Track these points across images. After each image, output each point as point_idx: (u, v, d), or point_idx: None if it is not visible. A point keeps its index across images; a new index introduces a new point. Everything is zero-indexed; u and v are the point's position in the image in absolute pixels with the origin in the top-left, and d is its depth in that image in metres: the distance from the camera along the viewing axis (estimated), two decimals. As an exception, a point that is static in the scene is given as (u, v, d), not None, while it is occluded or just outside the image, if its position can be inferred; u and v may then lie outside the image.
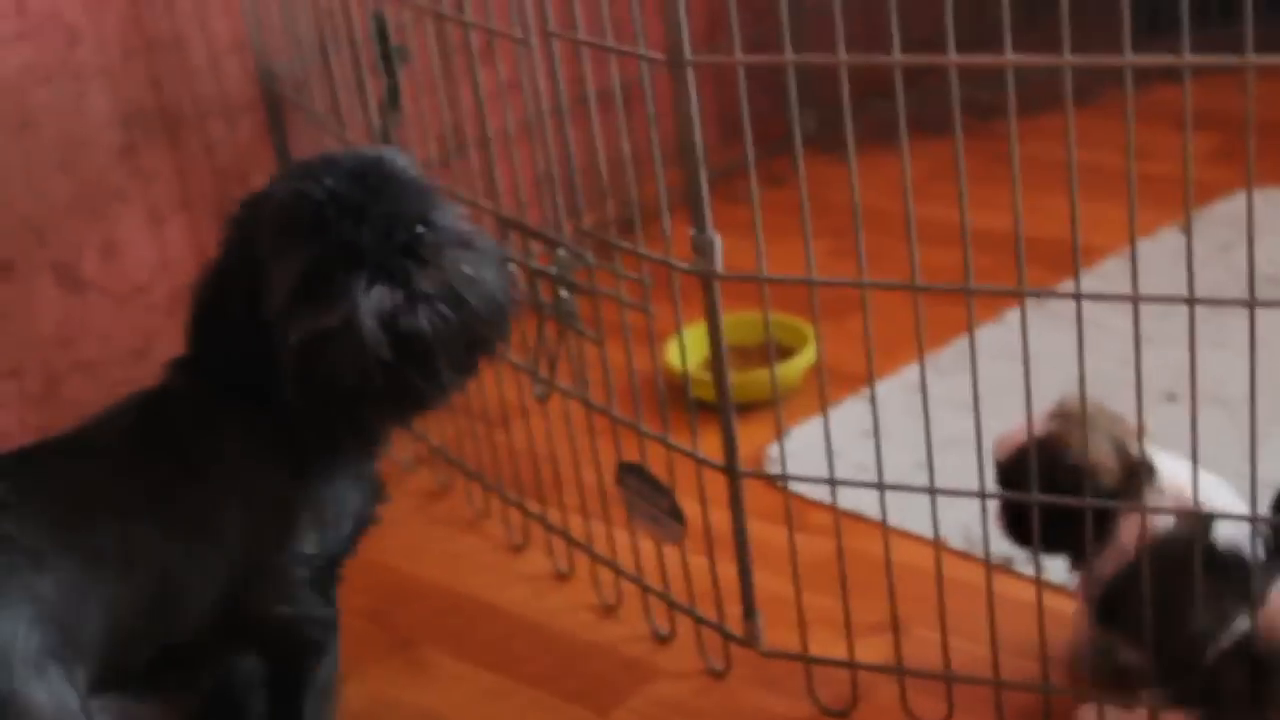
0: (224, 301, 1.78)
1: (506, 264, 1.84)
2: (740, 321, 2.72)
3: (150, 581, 1.76)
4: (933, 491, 1.91)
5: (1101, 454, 1.88)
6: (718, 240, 1.90)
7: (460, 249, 1.74)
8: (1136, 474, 1.88)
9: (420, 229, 1.73)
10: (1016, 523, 1.94)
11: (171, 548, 1.75)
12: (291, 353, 1.69)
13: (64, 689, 1.61)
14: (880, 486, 1.95)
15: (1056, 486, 1.86)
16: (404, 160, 1.78)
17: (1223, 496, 1.87)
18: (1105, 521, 1.87)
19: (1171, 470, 1.89)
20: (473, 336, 1.75)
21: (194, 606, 1.78)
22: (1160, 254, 2.73)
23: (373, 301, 1.67)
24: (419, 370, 1.72)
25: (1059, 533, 1.88)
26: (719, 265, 1.91)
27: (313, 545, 1.83)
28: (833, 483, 1.97)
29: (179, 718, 1.91)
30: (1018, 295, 1.80)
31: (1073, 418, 1.92)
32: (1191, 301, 1.71)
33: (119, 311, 2.73)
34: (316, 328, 1.67)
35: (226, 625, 1.81)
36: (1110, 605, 1.91)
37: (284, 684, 1.89)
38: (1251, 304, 1.69)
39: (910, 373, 2.62)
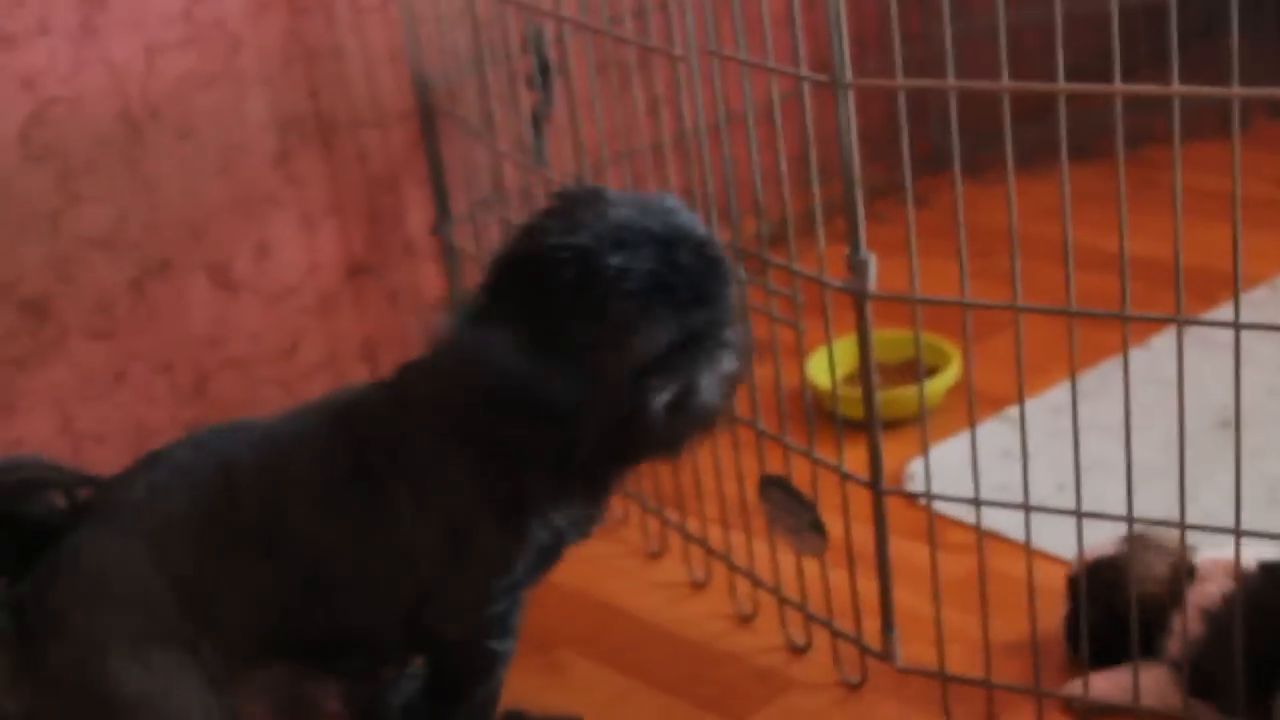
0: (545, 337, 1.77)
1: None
2: (883, 339, 2.73)
3: (306, 570, 1.83)
4: (1079, 514, 1.92)
5: (1153, 570, 1.98)
6: (872, 260, 1.93)
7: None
8: (1179, 578, 1.97)
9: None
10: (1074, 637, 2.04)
11: (346, 552, 1.83)
12: (646, 419, 1.74)
13: (166, 671, 1.72)
14: (1026, 508, 1.96)
15: (1112, 605, 1.98)
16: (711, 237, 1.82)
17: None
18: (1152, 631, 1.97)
19: (1211, 559, 1.97)
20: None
21: (359, 604, 1.85)
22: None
23: (714, 378, 1.76)
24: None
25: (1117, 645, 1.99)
26: (873, 285, 1.94)
27: (508, 578, 1.88)
28: (977, 503, 1.99)
29: (348, 698, 1.97)
30: (1174, 322, 1.81)
31: (1139, 541, 2.02)
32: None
33: (269, 312, 2.80)
34: (674, 398, 1.74)
35: (409, 630, 1.87)
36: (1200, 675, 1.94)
37: (443, 694, 1.94)
38: None
39: (1053, 395, 2.64)
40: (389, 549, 1.84)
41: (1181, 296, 1.78)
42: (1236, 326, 1.78)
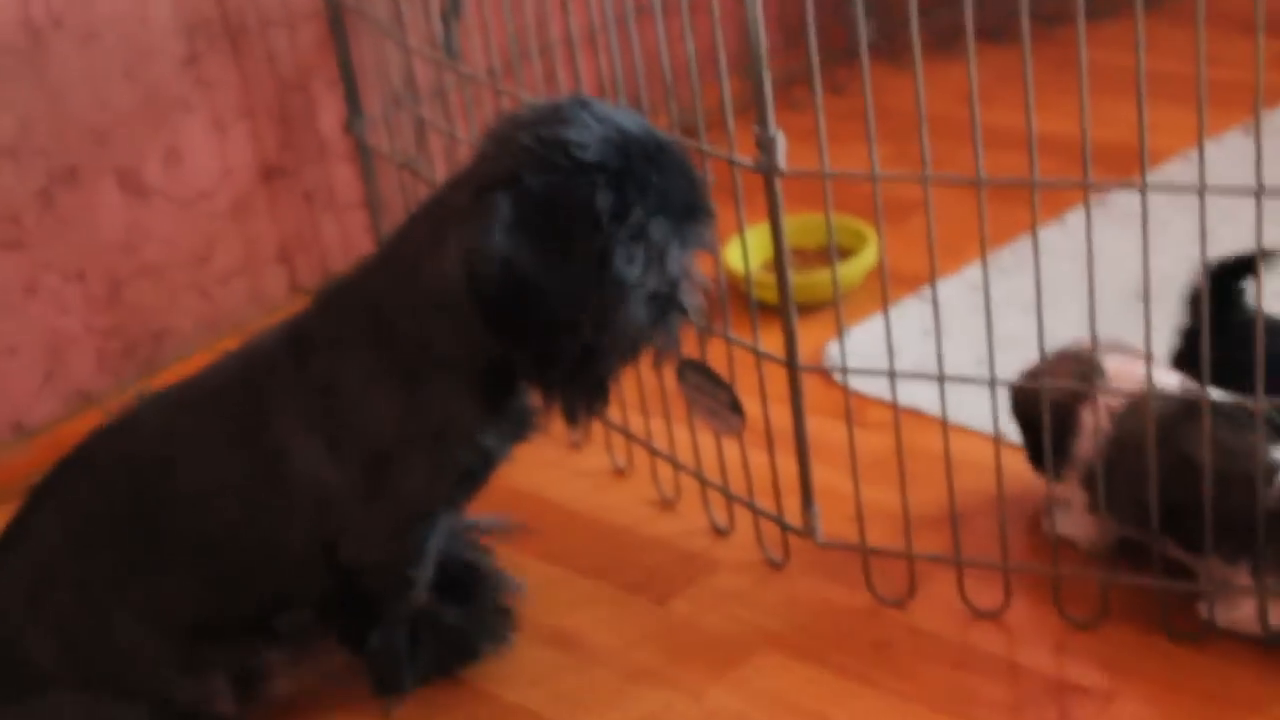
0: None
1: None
2: (801, 224, 2.74)
3: (218, 547, 1.87)
4: (993, 383, 1.93)
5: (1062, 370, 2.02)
6: (780, 137, 1.92)
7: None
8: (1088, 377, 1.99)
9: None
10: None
11: (253, 513, 1.86)
12: (627, 319, 1.75)
13: None
14: (940, 378, 1.97)
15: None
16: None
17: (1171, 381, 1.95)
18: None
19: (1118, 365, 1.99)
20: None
21: (281, 562, 1.88)
22: (1225, 155, 2.74)
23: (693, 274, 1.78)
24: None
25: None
26: (781, 162, 1.93)
27: (428, 507, 1.88)
28: (892, 375, 1.99)
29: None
30: (1081, 188, 1.81)
31: (1061, 353, 2.05)
32: (1259, 193, 1.72)
33: (182, 217, 2.77)
34: (657, 289, 1.75)
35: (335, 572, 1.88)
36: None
37: (360, 611, 1.95)
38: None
39: (971, 273, 2.65)
40: (298, 498, 1.85)
41: (1089, 162, 1.78)
42: (1143, 190, 1.78)
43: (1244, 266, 2.00)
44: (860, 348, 2.44)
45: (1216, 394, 1.84)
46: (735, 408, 2.09)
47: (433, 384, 1.81)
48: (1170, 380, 1.95)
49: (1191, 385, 1.91)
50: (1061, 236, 2.71)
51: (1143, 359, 1.90)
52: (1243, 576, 1.87)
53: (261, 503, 1.85)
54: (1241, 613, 1.90)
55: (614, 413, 2.39)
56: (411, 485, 1.84)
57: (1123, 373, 1.98)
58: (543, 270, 1.70)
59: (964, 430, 2.25)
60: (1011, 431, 2.26)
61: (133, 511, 1.87)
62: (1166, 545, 1.94)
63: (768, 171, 1.94)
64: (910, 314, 2.60)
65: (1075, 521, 2.05)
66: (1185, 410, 1.87)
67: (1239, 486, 1.84)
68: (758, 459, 2.16)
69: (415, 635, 1.97)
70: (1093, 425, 1.99)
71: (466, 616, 2.05)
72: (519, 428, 1.92)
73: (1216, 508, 1.85)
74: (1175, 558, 1.94)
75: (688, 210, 1.77)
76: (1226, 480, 1.84)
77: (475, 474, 1.90)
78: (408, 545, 1.89)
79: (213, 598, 1.88)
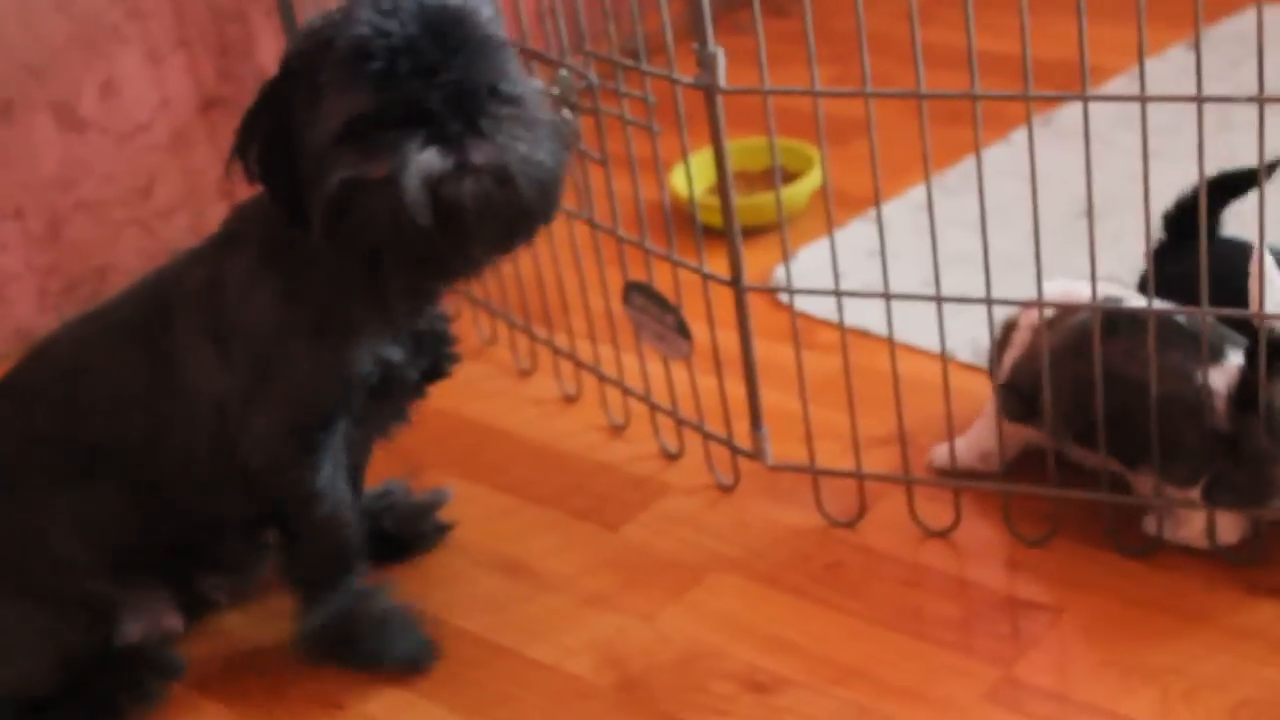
0: (274, 132, 1.71)
1: (566, 144, 1.77)
2: (746, 147, 2.73)
3: (131, 466, 1.85)
4: (939, 300, 1.92)
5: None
6: (720, 53, 1.90)
7: (522, 126, 1.67)
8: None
9: (488, 99, 1.66)
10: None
11: (159, 427, 1.83)
12: (325, 194, 1.64)
13: None
14: (886, 296, 1.96)
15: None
16: (488, 13, 1.70)
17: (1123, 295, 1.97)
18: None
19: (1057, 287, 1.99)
20: (515, 219, 1.70)
21: (195, 479, 1.86)
22: (1168, 70, 2.74)
23: (423, 163, 1.62)
24: (452, 242, 1.67)
25: None
26: (722, 79, 1.91)
27: (316, 408, 1.82)
28: (838, 294, 1.98)
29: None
30: (1023, 100, 1.80)
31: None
32: (1200, 100, 1.72)
33: (120, 150, 2.73)
34: (358, 176, 1.63)
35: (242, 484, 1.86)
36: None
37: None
38: (1260, 100, 1.69)
39: (916, 193, 2.64)
40: (197, 404, 1.82)
41: (1030, 74, 1.77)
42: (1085, 99, 1.77)
43: (1221, 186, 1.98)
44: (808, 270, 2.43)
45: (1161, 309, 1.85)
46: (682, 331, 2.08)
47: (307, 277, 1.77)
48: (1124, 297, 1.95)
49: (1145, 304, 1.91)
50: (1007, 156, 2.69)
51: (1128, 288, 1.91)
52: (1192, 493, 1.87)
53: (164, 411, 1.83)
54: (1190, 529, 1.90)
55: (562, 339, 2.38)
56: (295, 381, 1.80)
57: (1070, 291, 1.98)
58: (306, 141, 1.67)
59: (912, 350, 2.26)
60: (959, 349, 2.27)
61: (54, 426, 1.86)
62: (1084, 455, 1.97)
63: (708, 88, 1.92)
64: (857, 235, 2.59)
65: (976, 436, 2.06)
66: (1117, 324, 1.87)
67: (1180, 406, 1.85)
68: (706, 382, 2.15)
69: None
70: (1020, 339, 2.00)
71: (399, 525, 2.07)
72: (430, 350, 1.89)
73: (1160, 428, 1.85)
74: (1119, 473, 1.95)
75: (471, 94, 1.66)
76: (1169, 400, 1.84)
77: (377, 388, 1.84)
78: (299, 449, 1.83)
79: (141, 512, 1.87)
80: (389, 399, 1.89)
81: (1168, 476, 1.88)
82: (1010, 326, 2.03)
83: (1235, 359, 1.85)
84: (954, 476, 2.02)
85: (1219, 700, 1.73)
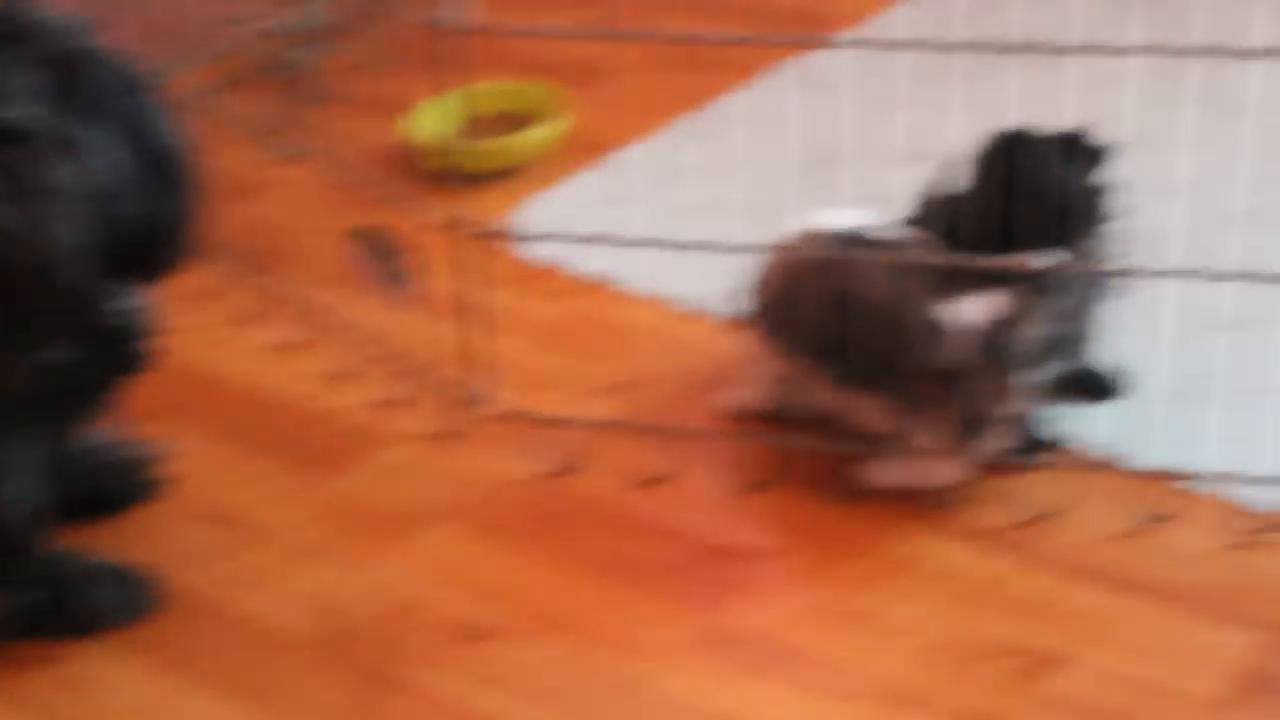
0: None
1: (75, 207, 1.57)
2: (488, 90, 2.70)
3: None
4: (662, 245, 1.92)
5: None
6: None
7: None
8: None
9: None
10: None
11: None
12: None
13: None
14: (611, 242, 1.95)
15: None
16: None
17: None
18: None
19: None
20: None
21: None
22: (900, 22, 2.76)
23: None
24: None
25: None
26: (456, 20, 1.89)
27: None
28: (561, 239, 1.98)
29: None
30: (761, 45, 1.80)
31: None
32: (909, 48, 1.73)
33: None
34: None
35: None
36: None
37: None
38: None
39: (659, 140, 2.63)
40: None
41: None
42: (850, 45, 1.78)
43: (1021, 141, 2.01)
44: (548, 215, 2.42)
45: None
46: (407, 277, 2.06)
47: None
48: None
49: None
50: (748, 101, 2.70)
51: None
52: (918, 433, 1.90)
53: None
54: (903, 472, 1.93)
55: (287, 285, 2.34)
56: None
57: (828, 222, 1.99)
58: None
59: (645, 299, 2.26)
60: (687, 296, 2.28)
61: None
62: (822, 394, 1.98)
63: (435, 27, 1.89)
64: (598, 181, 2.58)
65: (747, 381, 2.07)
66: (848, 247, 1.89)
67: (902, 336, 1.87)
68: (431, 329, 2.13)
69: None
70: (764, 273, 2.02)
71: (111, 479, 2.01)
72: (115, 346, 1.81)
73: (881, 353, 1.87)
74: (845, 415, 1.97)
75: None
76: (891, 329, 1.86)
77: (45, 394, 1.74)
78: None
79: None
80: (70, 400, 1.80)
81: (896, 400, 1.91)
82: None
83: (980, 298, 1.88)
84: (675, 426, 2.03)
85: (914, 642, 1.76)
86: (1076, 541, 1.87)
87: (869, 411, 1.94)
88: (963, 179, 1.98)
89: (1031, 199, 1.83)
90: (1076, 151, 1.94)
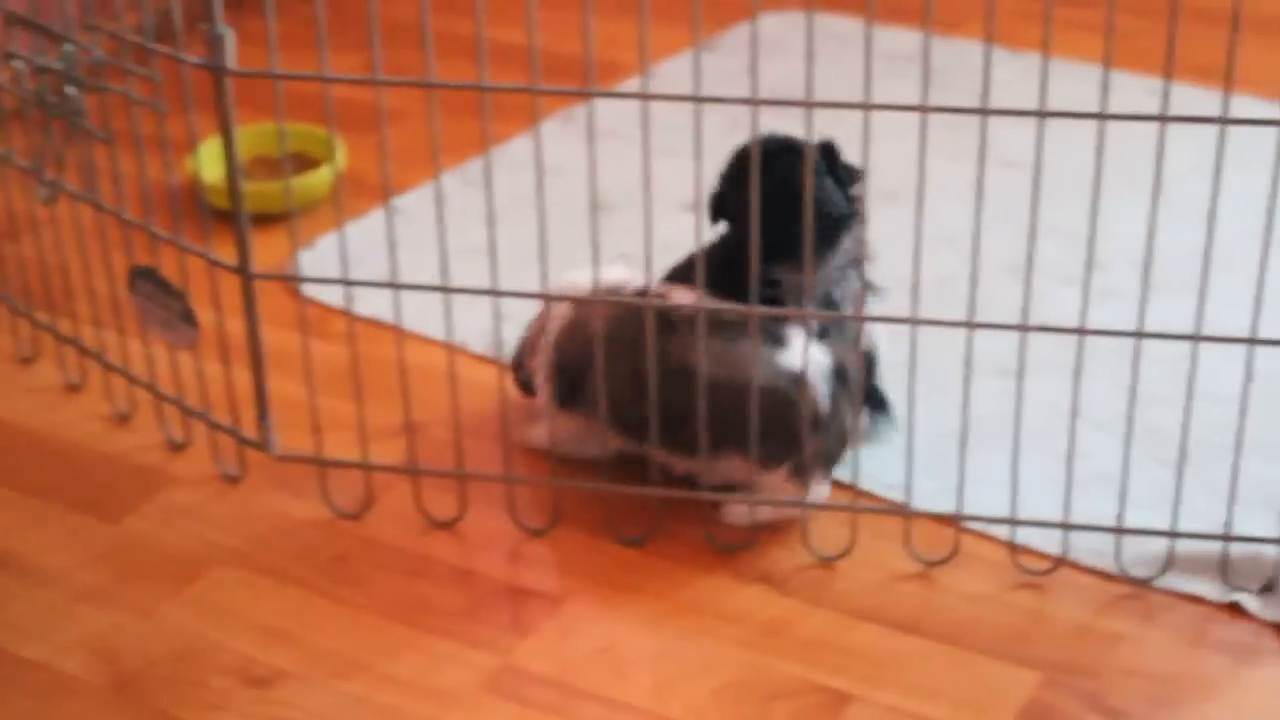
0: None
1: None
2: (268, 132, 2.68)
3: None
4: (446, 290, 1.92)
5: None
6: (229, 34, 1.86)
7: None
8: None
9: None
10: None
11: None
12: None
13: None
14: (394, 286, 1.95)
15: None
16: None
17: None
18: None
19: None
20: None
21: None
22: (684, 70, 2.81)
23: None
24: None
25: None
26: (231, 61, 1.87)
27: None
28: (346, 283, 1.97)
29: None
30: (530, 93, 1.82)
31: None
32: (698, 100, 1.77)
33: None
34: None
35: None
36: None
37: None
38: (754, 103, 1.76)
39: (445, 183, 2.64)
40: None
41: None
42: (590, 95, 1.80)
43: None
44: (329, 258, 2.41)
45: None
46: (189, 319, 2.03)
47: None
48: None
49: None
50: (530, 149, 2.72)
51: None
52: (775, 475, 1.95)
53: None
54: (737, 511, 2.00)
55: (66, 325, 2.30)
56: None
57: (579, 282, 2.02)
58: None
59: (426, 341, 2.27)
60: (471, 340, 2.29)
61: None
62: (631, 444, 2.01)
63: (216, 70, 1.88)
64: (379, 224, 2.58)
65: (541, 425, 2.08)
66: (673, 320, 1.93)
67: (776, 392, 1.91)
68: (214, 371, 2.10)
69: None
70: (552, 329, 2.05)
71: None
72: None
73: (746, 415, 1.90)
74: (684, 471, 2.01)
75: None
76: (766, 389, 1.90)
77: None
78: None
79: None
80: None
81: (760, 460, 1.94)
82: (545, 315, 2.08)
83: (796, 339, 1.92)
84: (459, 469, 2.03)
85: (706, 682, 1.79)
86: (865, 583, 1.92)
87: (715, 470, 1.98)
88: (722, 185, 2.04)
89: (793, 206, 1.88)
90: (832, 161, 2.03)
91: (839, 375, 1.95)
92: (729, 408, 1.91)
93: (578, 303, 2.00)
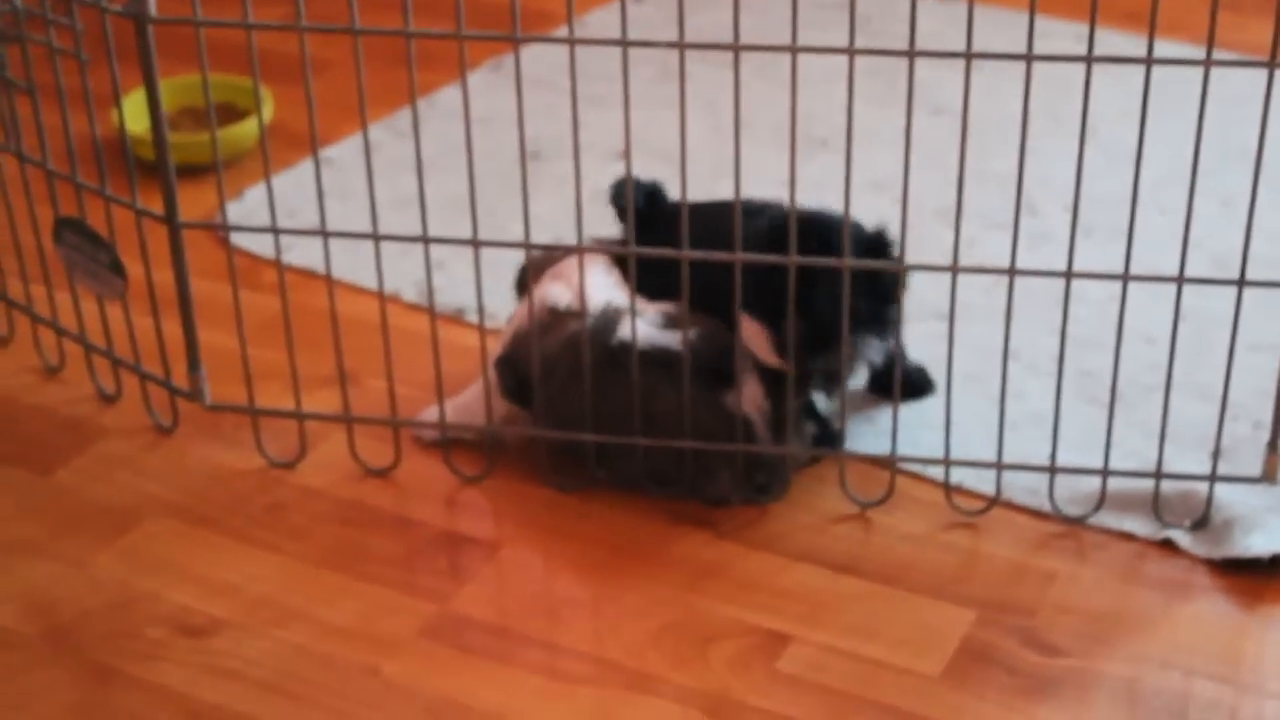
0: None
1: None
2: (195, 84, 2.65)
3: None
4: (376, 238, 1.91)
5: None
6: (152, -18, 1.84)
7: None
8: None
9: None
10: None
11: None
12: None
13: None
14: (324, 234, 1.94)
15: None
16: None
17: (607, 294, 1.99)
18: None
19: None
20: None
21: None
22: (614, 20, 2.79)
23: None
24: None
25: None
26: (152, 9, 1.85)
27: None
28: (275, 231, 1.95)
29: None
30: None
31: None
32: (624, 44, 1.76)
33: None
34: None
35: None
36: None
37: None
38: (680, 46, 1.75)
39: (374, 134, 2.62)
40: None
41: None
42: (516, 41, 1.79)
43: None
44: (260, 208, 2.40)
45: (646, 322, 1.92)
46: (116, 269, 2.01)
47: None
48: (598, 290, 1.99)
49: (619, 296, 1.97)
50: (460, 97, 2.71)
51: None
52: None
53: None
54: None
55: (-9, 278, 2.28)
56: None
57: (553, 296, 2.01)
58: None
59: (359, 290, 2.26)
60: (404, 289, 2.28)
61: None
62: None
63: (138, 17, 1.85)
64: (308, 176, 2.56)
65: (466, 402, 2.07)
66: (621, 359, 1.92)
67: (723, 434, 1.91)
68: (143, 322, 2.08)
69: None
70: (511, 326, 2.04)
71: None
72: None
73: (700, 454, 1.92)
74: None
75: None
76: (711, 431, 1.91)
77: None
78: None
79: None
80: None
81: (704, 495, 1.95)
82: (531, 266, 2.05)
83: (748, 381, 1.92)
84: (393, 417, 2.02)
85: (645, 625, 1.79)
86: (801, 525, 1.93)
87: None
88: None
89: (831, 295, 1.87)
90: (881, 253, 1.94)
91: (808, 412, 1.98)
92: (665, 451, 1.93)
93: (535, 325, 1.97)
